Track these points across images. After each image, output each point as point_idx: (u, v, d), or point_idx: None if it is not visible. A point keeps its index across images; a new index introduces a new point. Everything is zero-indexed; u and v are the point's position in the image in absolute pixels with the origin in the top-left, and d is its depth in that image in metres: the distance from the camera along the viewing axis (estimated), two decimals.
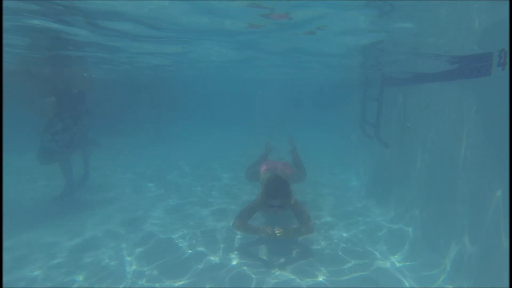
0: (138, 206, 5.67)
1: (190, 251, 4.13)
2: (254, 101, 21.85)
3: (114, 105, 11.48)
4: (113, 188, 6.67)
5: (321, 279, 3.56)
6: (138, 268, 3.72)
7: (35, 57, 5.79)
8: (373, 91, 6.62)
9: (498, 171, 3.05)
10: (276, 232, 3.59)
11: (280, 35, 3.72)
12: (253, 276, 3.59)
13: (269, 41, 4.16)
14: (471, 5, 2.34)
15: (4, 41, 4.52)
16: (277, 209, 3.76)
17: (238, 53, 5.61)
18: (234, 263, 3.86)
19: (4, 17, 3.25)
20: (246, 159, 6.46)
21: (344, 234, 4.74)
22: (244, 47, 4.97)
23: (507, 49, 2.70)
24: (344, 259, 4.03)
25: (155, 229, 4.79)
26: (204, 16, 3.21)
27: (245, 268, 3.75)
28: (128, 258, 3.94)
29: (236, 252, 4.11)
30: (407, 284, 3.50)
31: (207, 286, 3.38)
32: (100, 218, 5.12)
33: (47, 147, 5.30)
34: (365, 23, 2.97)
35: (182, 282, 3.46)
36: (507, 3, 1.97)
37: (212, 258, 3.95)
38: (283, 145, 6.57)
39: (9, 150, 5.69)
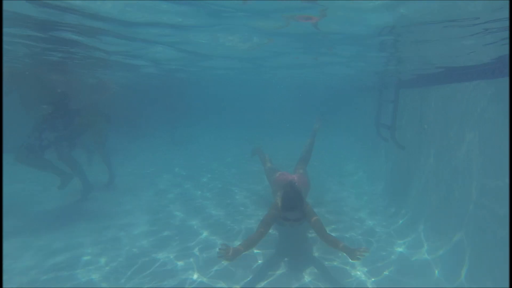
0: (154, 211, 5.80)
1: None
2: (267, 103, 21.80)
3: (129, 108, 11.74)
4: (128, 192, 6.81)
5: None
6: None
7: (47, 61, 5.77)
8: (389, 93, 6.51)
9: None
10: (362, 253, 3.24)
11: None
12: None
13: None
14: None
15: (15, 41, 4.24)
16: (293, 222, 3.62)
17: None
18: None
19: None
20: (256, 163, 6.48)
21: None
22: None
23: None
24: None
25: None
26: None
27: None
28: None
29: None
30: None
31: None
32: (113, 222, 5.31)
33: (30, 144, 5.21)
34: None
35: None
36: (507, 3, 1.90)
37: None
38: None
39: None
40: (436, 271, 3.82)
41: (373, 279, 3.69)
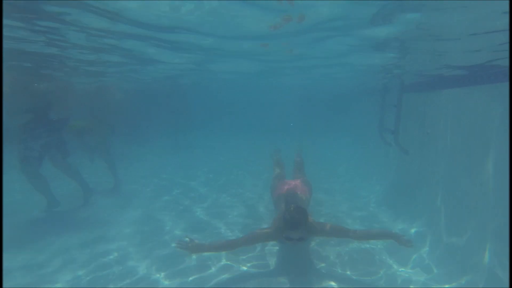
0: (152, 222, 5.65)
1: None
2: (270, 107, 21.79)
3: (131, 113, 11.76)
4: (128, 199, 6.72)
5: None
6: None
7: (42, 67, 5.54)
8: (392, 98, 6.46)
9: None
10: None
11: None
12: None
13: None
14: None
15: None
16: (296, 242, 3.37)
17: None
18: None
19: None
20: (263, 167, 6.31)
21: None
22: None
23: None
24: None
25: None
26: None
27: None
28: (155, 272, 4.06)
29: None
30: None
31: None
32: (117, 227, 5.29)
33: (24, 156, 5.19)
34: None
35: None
36: (507, 3, 1.87)
37: None
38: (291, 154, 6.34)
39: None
40: None
41: None
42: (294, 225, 3.26)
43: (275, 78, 9.26)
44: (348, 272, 3.98)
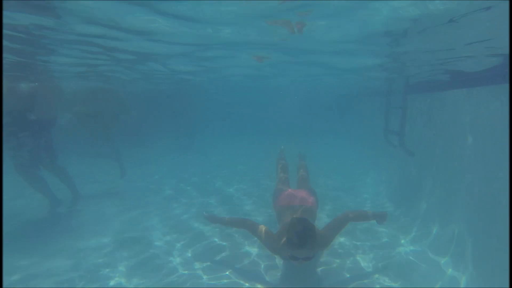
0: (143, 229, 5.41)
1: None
2: (271, 109, 21.73)
3: (132, 115, 11.75)
4: (132, 197, 6.69)
5: None
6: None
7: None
8: (397, 99, 6.38)
9: None
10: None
11: None
12: None
13: None
14: None
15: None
16: (302, 261, 3.01)
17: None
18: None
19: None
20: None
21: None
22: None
23: None
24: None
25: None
26: None
27: None
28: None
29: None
30: None
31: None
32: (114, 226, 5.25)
33: (18, 163, 5.15)
34: None
35: None
36: (507, 3, 1.81)
37: None
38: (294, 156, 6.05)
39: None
40: None
41: None
42: (300, 244, 2.88)
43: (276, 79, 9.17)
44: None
